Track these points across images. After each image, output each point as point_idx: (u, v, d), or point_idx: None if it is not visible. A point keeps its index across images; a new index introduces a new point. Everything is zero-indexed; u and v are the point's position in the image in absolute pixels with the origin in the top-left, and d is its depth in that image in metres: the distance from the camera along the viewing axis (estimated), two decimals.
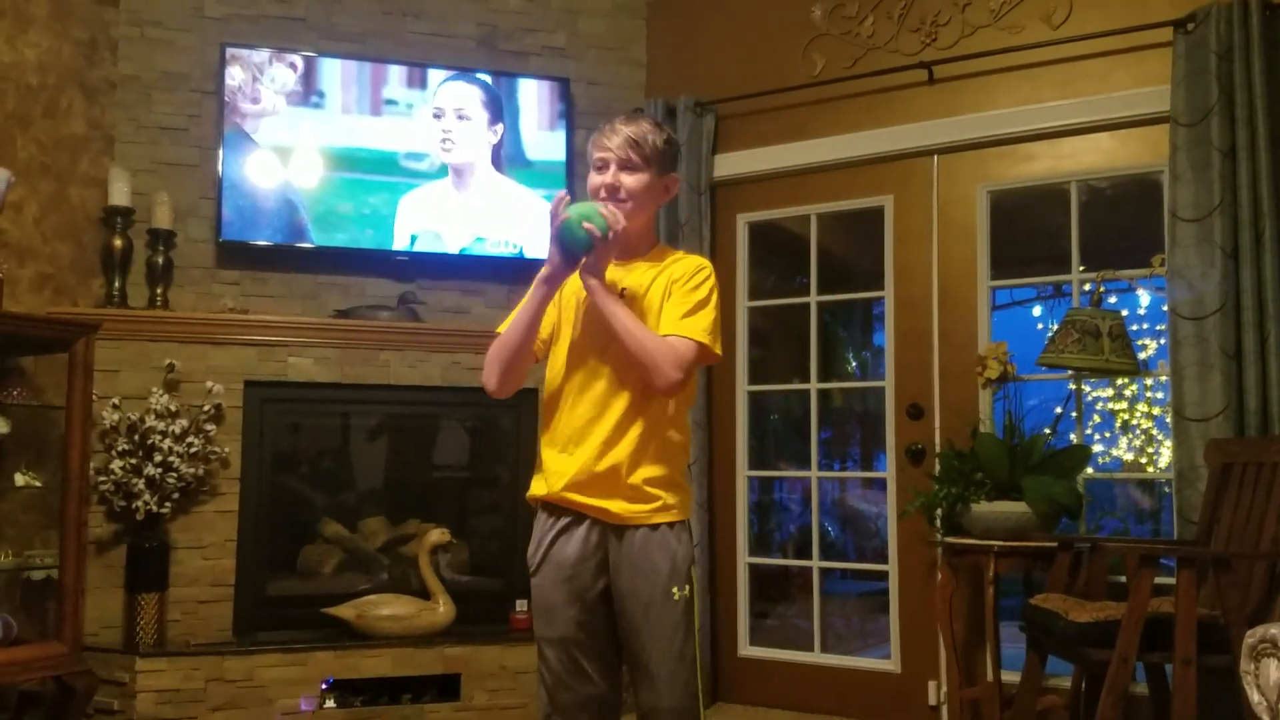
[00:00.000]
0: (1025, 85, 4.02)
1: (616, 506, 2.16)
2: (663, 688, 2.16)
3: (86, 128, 4.25)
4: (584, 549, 2.18)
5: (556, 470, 2.20)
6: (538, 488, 2.26)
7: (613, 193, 2.20)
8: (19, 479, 3.67)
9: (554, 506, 2.22)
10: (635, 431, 2.16)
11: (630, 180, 2.20)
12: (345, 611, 4.12)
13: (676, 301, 2.19)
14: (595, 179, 2.23)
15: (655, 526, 2.17)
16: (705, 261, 2.28)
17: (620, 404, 2.17)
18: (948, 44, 4.18)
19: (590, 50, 4.87)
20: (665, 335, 2.14)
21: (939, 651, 3.98)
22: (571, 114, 4.73)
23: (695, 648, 2.21)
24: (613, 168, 2.20)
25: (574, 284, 2.25)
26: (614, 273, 2.24)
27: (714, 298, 2.20)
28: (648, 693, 2.17)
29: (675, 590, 2.16)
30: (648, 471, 2.17)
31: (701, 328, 2.16)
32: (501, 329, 2.30)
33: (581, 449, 2.17)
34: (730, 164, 4.60)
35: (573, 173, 4.69)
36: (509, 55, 4.77)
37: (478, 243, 4.57)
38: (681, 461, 2.26)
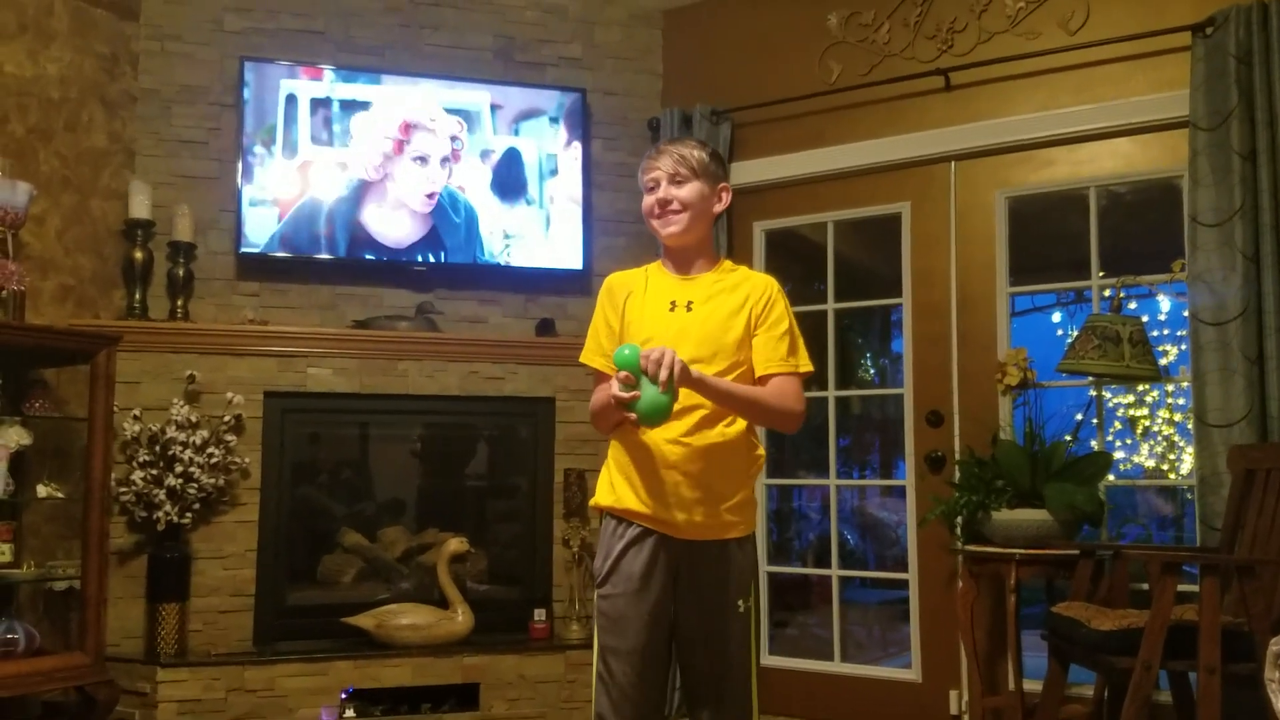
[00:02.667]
0: (1043, 91, 4.01)
1: (688, 521, 2.18)
2: (724, 699, 2.19)
3: (107, 141, 4.29)
4: (654, 561, 2.19)
5: (629, 482, 2.21)
6: (606, 498, 2.26)
7: (665, 206, 2.26)
8: (41, 490, 3.70)
9: (623, 518, 2.23)
10: (711, 448, 2.18)
11: (681, 192, 2.26)
12: (365, 621, 4.13)
13: (767, 337, 2.23)
14: (648, 199, 2.29)
15: (725, 541, 2.21)
16: (772, 280, 2.32)
17: (691, 423, 2.18)
18: (964, 50, 4.18)
19: (607, 60, 4.88)
20: (771, 376, 2.21)
21: (960, 660, 3.95)
22: (588, 124, 4.74)
23: (754, 660, 2.24)
24: (663, 184, 2.27)
25: (639, 305, 2.28)
26: (676, 287, 2.28)
27: (792, 317, 2.29)
28: (707, 704, 2.20)
29: (740, 602, 2.20)
30: (721, 487, 2.19)
31: (803, 359, 2.27)
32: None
33: (656, 464, 2.18)
34: (747, 172, 4.60)
35: (590, 182, 4.70)
36: (525, 66, 4.78)
37: (494, 253, 4.59)
38: (754, 476, 2.28)
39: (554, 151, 4.67)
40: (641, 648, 2.19)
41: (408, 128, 4.48)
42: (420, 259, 4.50)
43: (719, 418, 2.19)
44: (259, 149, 4.36)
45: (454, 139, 4.53)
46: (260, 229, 4.35)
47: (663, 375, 1.99)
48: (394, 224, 4.48)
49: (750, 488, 2.26)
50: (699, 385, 2.10)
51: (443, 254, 4.52)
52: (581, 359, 2.36)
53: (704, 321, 2.24)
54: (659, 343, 2.19)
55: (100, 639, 3.59)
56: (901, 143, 4.28)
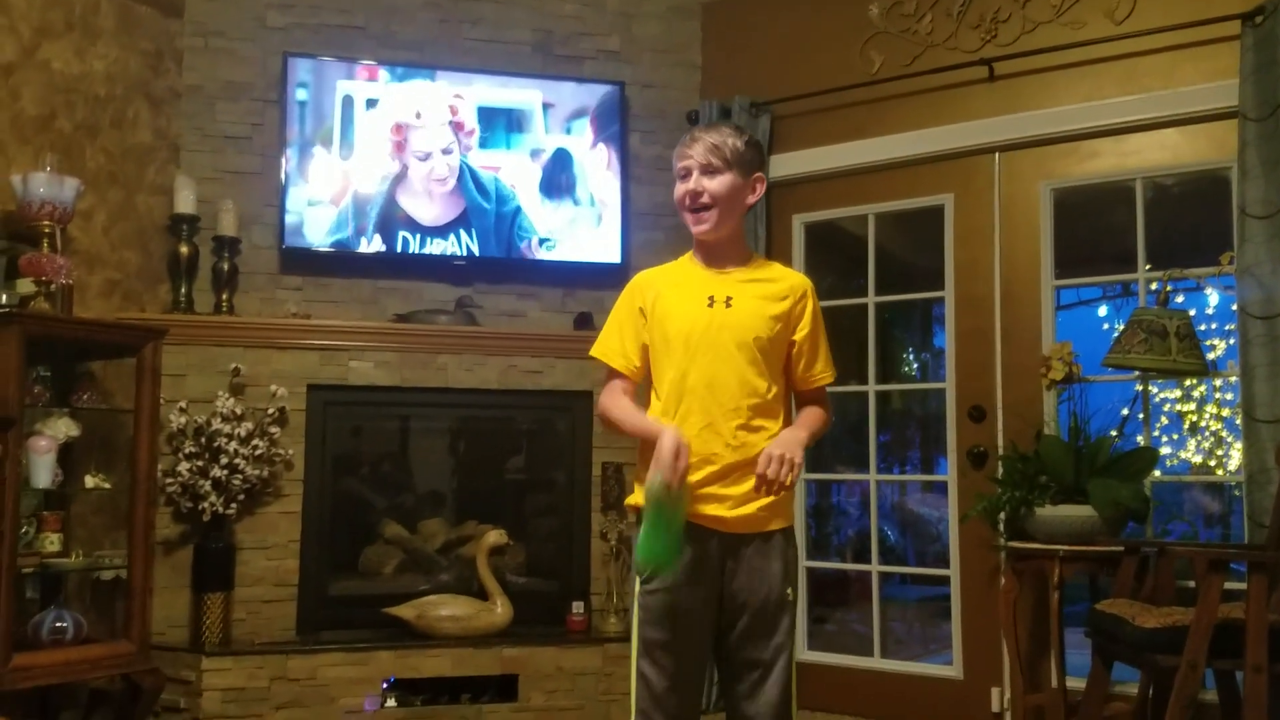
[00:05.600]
0: (1088, 81, 3.95)
1: (734, 517, 2.18)
2: (770, 688, 2.19)
3: (153, 137, 4.35)
4: (702, 555, 2.19)
5: None
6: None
7: (696, 198, 2.24)
8: (89, 481, 3.76)
9: None
10: (753, 447, 2.18)
11: (712, 184, 2.23)
12: (405, 612, 4.16)
13: (809, 347, 2.29)
14: (679, 188, 2.27)
15: (770, 534, 2.22)
16: (808, 280, 2.34)
17: (738, 421, 2.19)
18: (1008, 40, 4.12)
19: (645, 53, 4.87)
20: (814, 387, 2.32)
21: (1002, 658, 3.92)
22: (625, 117, 4.73)
23: (794, 649, 2.25)
24: (695, 174, 2.24)
25: (672, 301, 2.27)
26: (712, 281, 2.27)
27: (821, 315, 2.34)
28: (753, 694, 2.19)
29: (789, 591, 2.22)
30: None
31: (832, 365, 2.34)
32: (606, 395, 2.35)
33: (698, 464, 2.16)
34: (786, 164, 4.58)
35: (627, 176, 4.70)
36: (563, 60, 4.79)
37: (534, 247, 4.60)
38: None
39: (590, 144, 4.67)
40: (689, 641, 2.19)
41: (399, 129, 4.50)
42: (459, 252, 4.52)
43: (761, 422, 2.20)
44: (301, 144, 4.40)
45: (450, 123, 4.53)
46: (303, 224, 4.39)
47: (788, 479, 2.10)
48: (426, 208, 4.51)
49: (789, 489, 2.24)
50: (808, 445, 2.20)
51: (474, 234, 4.52)
52: (593, 353, 2.34)
53: (745, 317, 2.22)
54: (699, 336, 2.20)
55: (146, 628, 3.64)
56: (944, 134, 4.24)
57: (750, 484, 2.16)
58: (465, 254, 4.53)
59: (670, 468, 2.05)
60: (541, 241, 4.60)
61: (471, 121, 4.55)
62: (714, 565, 2.19)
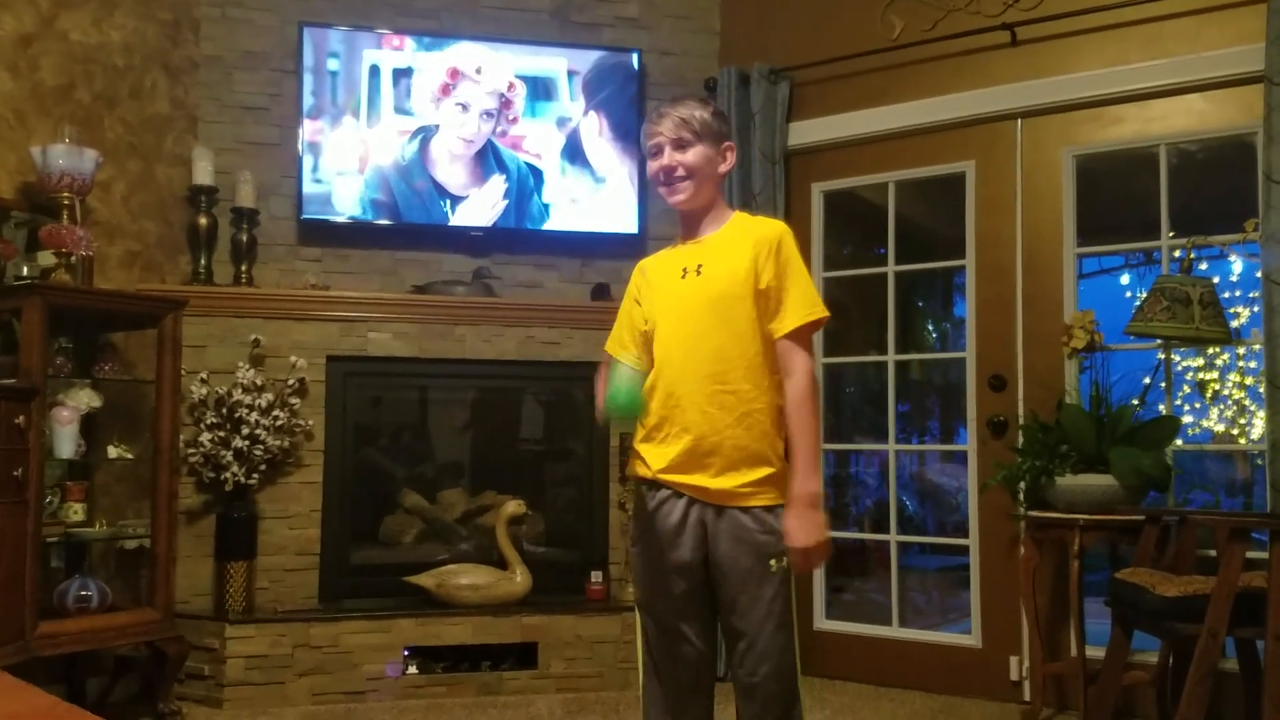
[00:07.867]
0: (1112, 45, 3.90)
1: (716, 488, 2.17)
2: (759, 661, 2.17)
3: (171, 108, 4.35)
4: (683, 520, 2.20)
5: (653, 455, 2.22)
6: (638, 467, 2.28)
7: (670, 173, 2.23)
8: (111, 451, 3.79)
9: (654, 482, 2.24)
10: (731, 411, 2.16)
11: (685, 156, 2.23)
12: (426, 580, 4.19)
13: (776, 290, 2.15)
14: (653, 165, 2.27)
15: (750, 507, 2.17)
16: (778, 225, 2.25)
17: (712, 387, 2.16)
18: (1031, 4, 4.07)
19: (664, 20, 4.84)
20: (784, 335, 2.15)
21: (1021, 626, 3.92)
22: (644, 85, 4.70)
23: (794, 618, 2.21)
24: (667, 150, 2.24)
25: (659, 294, 2.26)
26: (688, 253, 2.26)
27: (799, 260, 2.20)
28: (744, 665, 2.19)
29: (774, 562, 2.16)
30: (745, 452, 2.16)
31: (809, 303, 2.16)
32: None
33: (677, 434, 2.17)
34: (805, 132, 4.54)
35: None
36: (581, 27, 4.76)
37: (550, 218, 4.59)
38: (779, 440, 2.20)
39: (607, 114, 4.65)
40: (668, 600, 2.22)
41: (455, 73, 4.49)
42: (477, 223, 4.52)
43: (738, 385, 2.16)
44: (331, 114, 4.40)
45: (501, 96, 4.52)
46: (331, 194, 4.40)
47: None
48: (452, 174, 4.51)
49: (777, 465, 2.18)
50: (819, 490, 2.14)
51: (493, 210, 4.53)
52: (606, 348, 2.35)
53: (712, 279, 2.19)
54: (671, 310, 2.20)
55: (170, 596, 3.69)
56: (966, 100, 4.19)
57: (733, 454, 2.15)
58: (490, 224, 4.53)
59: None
60: (558, 211, 4.59)
61: (520, 104, 4.55)
62: (696, 531, 2.19)
